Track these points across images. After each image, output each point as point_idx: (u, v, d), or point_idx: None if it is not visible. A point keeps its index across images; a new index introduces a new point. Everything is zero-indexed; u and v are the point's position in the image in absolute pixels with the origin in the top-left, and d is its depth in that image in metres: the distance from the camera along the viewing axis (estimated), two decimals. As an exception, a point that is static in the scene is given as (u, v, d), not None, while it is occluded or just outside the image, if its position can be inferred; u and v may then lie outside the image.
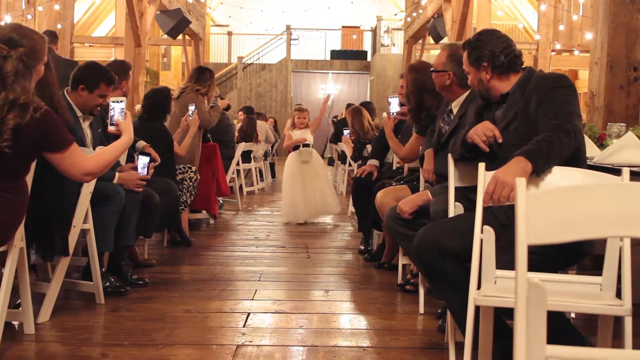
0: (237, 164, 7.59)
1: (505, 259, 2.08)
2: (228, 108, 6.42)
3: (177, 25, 11.96)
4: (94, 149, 3.37)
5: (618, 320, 2.00)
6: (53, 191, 2.84)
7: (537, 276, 1.72)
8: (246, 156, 8.47)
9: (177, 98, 5.39)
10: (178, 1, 12.99)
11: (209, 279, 3.92)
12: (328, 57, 21.09)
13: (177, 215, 4.68)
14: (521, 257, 1.39)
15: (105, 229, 3.34)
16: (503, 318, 2.35)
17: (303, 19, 20.74)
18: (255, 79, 20.36)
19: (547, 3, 11.60)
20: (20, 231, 2.57)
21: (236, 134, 8.23)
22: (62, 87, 3.25)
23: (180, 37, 13.60)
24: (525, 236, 1.40)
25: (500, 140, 2.40)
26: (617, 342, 2.07)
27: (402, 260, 3.68)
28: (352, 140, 6.90)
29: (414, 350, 2.73)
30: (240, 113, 10.14)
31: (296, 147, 6.33)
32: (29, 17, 9.86)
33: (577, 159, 2.33)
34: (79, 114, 3.44)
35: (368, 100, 13.73)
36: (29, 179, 2.58)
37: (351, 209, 6.25)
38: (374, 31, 20.37)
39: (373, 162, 4.71)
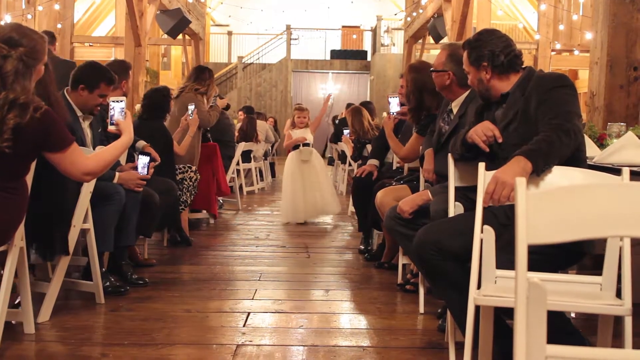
0: (237, 164, 7.59)
1: (505, 259, 2.08)
2: (227, 107, 6.42)
3: (177, 25, 11.96)
4: (94, 148, 3.37)
5: (618, 320, 2.00)
6: (53, 191, 2.84)
7: (537, 276, 1.72)
8: (246, 156, 8.47)
9: (177, 97, 5.39)
10: (178, 1, 12.99)
11: (209, 278, 3.92)
12: (328, 57, 21.09)
13: (177, 215, 4.68)
14: (521, 256, 1.39)
15: (106, 229, 3.34)
16: (503, 318, 2.35)
17: (303, 19, 20.74)
18: (255, 79, 20.36)
19: (547, 3, 11.60)
20: (20, 231, 2.57)
21: (236, 134, 8.23)
22: (59, 87, 3.25)
23: (180, 36, 13.61)
24: (525, 236, 1.40)
25: (500, 140, 2.40)
26: (617, 341, 2.07)
27: (402, 260, 3.68)
28: (352, 140, 6.90)
29: (414, 350, 2.73)
30: (240, 113, 10.14)
31: (296, 147, 6.33)
32: (29, 16, 9.87)
33: (577, 159, 2.33)
34: (79, 113, 3.44)
35: (368, 100, 13.73)
36: (29, 178, 2.58)
37: (351, 208, 6.25)
38: (374, 31, 20.37)
39: (373, 161, 4.71)
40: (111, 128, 2.99)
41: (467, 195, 2.57)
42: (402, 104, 4.08)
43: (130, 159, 4.00)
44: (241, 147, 7.57)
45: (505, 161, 2.22)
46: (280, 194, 6.97)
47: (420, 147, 3.63)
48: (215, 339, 2.81)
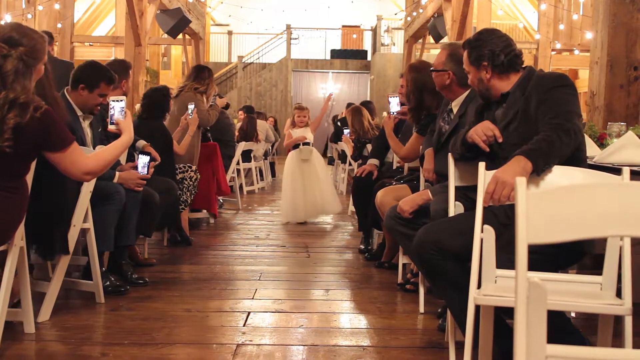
0: (237, 163, 7.59)
1: (506, 259, 2.08)
2: (227, 107, 6.41)
3: (177, 24, 11.96)
4: (94, 148, 3.37)
5: (618, 320, 2.00)
6: (53, 190, 2.84)
7: (537, 275, 1.72)
8: (246, 155, 8.47)
9: (176, 97, 5.38)
10: (178, 0, 12.99)
11: (209, 278, 3.92)
12: (328, 57, 21.09)
13: (177, 214, 4.68)
14: (521, 256, 1.39)
15: (106, 228, 3.34)
16: (503, 317, 2.35)
17: (303, 18, 20.74)
18: (255, 78, 20.36)
19: (547, 2, 11.60)
20: (21, 230, 2.57)
21: (236, 133, 8.23)
22: (58, 87, 3.24)
23: (180, 36, 13.61)
24: (526, 235, 1.40)
25: (500, 140, 2.40)
26: (617, 341, 2.07)
27: (402, 259, 3.68)
28: (352, 140, 6.90)
29: (414, 349, 2.73)
30: (241, 112, 10.14)
31: (296, 146, 6.33)
32: (29, 16, 9.87)
33: (577, 159, 2.33)
34: (79, 113, 3.44)
35: (368, 99, 13.74)
36: (29, 178, 2.58)
37: (351, 208, 6.25)
38: (374, 30, 20.37)
39: (373, 161, 4.71)
40: (111, 127, 2.99)
41: (467, 194, 2.57)
42: (402, 104, 4.08)
43: (131, 158, 4.00)
44: (241, 146, 7.57)
45: (506, 161, 2.22)
46: (280, 193, 6.96)
47: (421, 147, 3.63)
48: (216, 338, 2.81)
